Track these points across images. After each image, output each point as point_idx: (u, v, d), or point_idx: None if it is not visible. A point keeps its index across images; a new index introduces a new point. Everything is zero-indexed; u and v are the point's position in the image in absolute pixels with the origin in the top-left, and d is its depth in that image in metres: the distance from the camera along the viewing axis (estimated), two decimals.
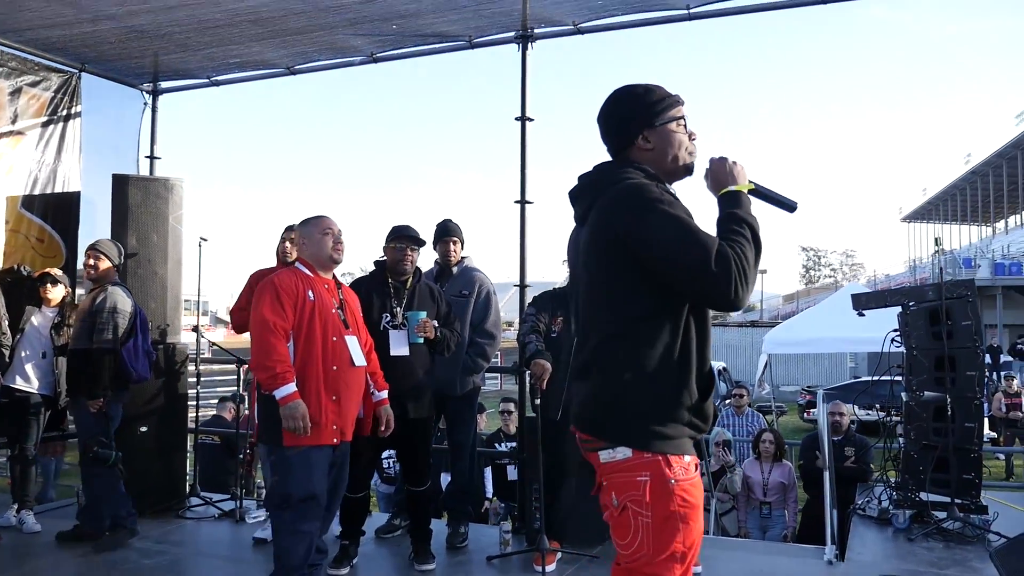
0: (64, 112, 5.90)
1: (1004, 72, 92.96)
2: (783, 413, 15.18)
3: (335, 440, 3.39)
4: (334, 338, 3.43)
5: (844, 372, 19.87)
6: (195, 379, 5.76)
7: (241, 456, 7.01)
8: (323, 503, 3.39)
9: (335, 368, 3.40)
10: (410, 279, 4.26)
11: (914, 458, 5.03)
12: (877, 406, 14.21)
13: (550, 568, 4.07)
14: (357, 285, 4.25)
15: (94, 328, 4.55)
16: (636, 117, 2.12)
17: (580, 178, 2.22)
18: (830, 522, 4.55)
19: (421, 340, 4.11)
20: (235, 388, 10.41)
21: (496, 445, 7.20)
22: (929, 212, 52.36)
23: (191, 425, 5.95)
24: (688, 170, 2.16)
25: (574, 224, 2.25)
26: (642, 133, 2.11)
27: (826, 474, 4.70)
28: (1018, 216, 46.53)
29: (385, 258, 4.32)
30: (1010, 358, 22.86)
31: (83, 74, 6.01)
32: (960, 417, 4.91)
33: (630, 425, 1.97)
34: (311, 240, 3.55)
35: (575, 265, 2.22)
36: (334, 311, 3.49)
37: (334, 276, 3.65)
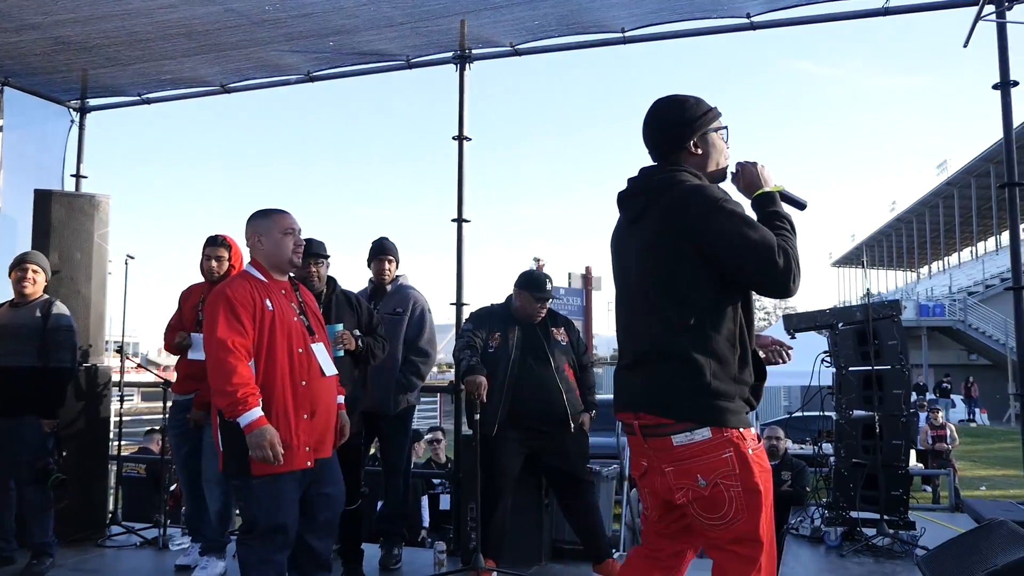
0: None
1: (926, 125, 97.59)
2: None
3: (308, 463, 3.05)
4: (299, 349, 3.10)
5: (778, 408, 20.23)
6: (118, 402, 5.53)
7: (172, 488, 6.77)
8: (292, 532, 3.05)
9: (304, 383, 3.07)
10: (323, 292, 4.18)
11: (844, 476, 5.10)
12: (809, 440, 14.54)
13: None
14: None
15: (50, 346, 4.41)
16: (689, 124, 2.32)
17: (631, 180, 2.41)
18: None
19: (342, 353, 3.87)
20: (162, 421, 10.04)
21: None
22: (857, 257, 54.17)
23: (113, 452, 5.70)
24: (724, 175, 2.40)
25: (624, 224, 2.43)
26: (693, 139, 2.32)
27: None
28: (941, 262, 48.45)
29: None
30: (935, 396, 23.64)
31: (6, 88, 5.83)
32: (888, 435, 5.02)
33: (709, 405, 2.17)
34: (269, 239, 3.17)
35: (627, 263, 2.39)
36: (296, 318, 3.16)
37: (290, 277, 3.33)
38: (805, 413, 5.54)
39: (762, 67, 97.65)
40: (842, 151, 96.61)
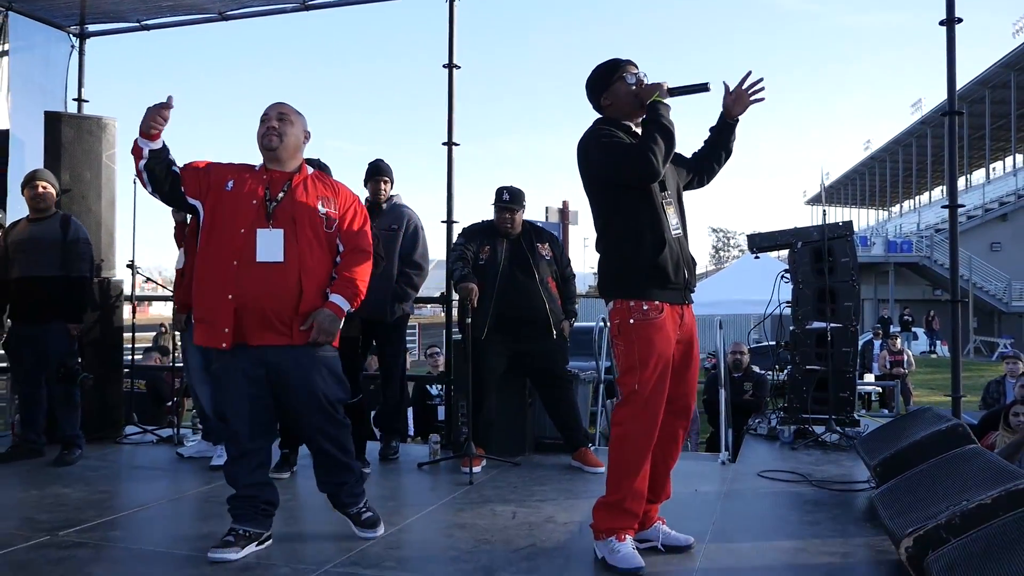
0: None
1: (901, 63, 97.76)
2: None
3: (224, 344, 3.03)
4: (242, 230, 3.05)
5: (748, 340, 21.00)
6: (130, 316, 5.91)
7: (171, 403, 7.20)
8: (230, 422, 3.12)
9: (235, 263, 3.03)
10: None
11: (798, 380, 5.64)
12: (777, 367, 15.31)
13: (476, 470, 4.46)
14: None
15: (71, 258, 4.82)
16: (594, 86, 3.08)
17: None
18: (724, 433, 5.10)
19: None
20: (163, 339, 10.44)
21: (427, 387, 7.57)
22: (831, 195, 54.83)
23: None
24: (642, 107, 2.98)
25: None
26: (602, 96, 3.06)
27: (721, 391, 5.24)
28: (912, 200, 49.23)
29: None
30: (899, 328, 24.49)
31: (10, 13, 6.03)
32: (839, 343, 5.54)
33: (607, 285, 3.02)
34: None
35: None
36: (254, 202, 3.09)
37: (307, 169, 3.27)
38: (771, 342, 6.04)
39: (742, 2, 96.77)
40: (819, 89, 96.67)
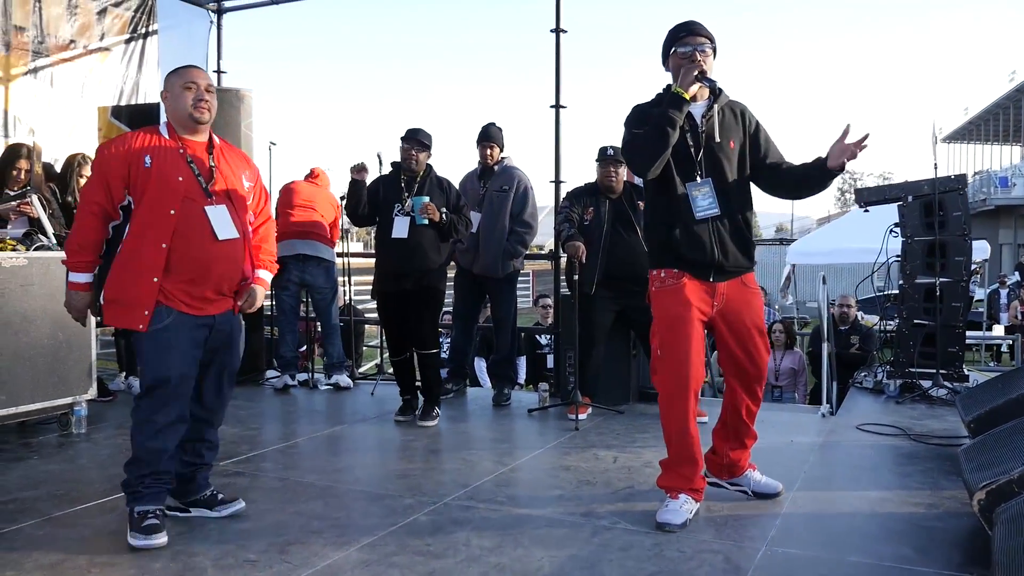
0: (143, 30, 6.55)
1: None
2: (805, 323, 15.72)
3: (141, 327, 2.89)
4: (172, 211, 2.89)
5: (869, 287, 20.32)
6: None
7: (303, 349, 7.87)
8: (176, 384, 2.94)
9: (164, 245, 2.88)
10: (420, 174, 4.82)
11: (906, 335, 5.64)
12: (882, 320, 14.75)
13: (582, 417, 4.79)
14: (375, 182, 4.93)
15: None
16: (663, 52, 3.25)
17: None
18: (826, 385, 5.21)
19: (426, 222, 4.63)
20: None
21: (537, 337, 7.95)
22: (970, 132, 51.25)
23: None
24: (692, 81, 3.08)
25: None
26: (666, 62, 3.25)
27: (824, 345, 5.33)
28: None
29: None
30: None
31: None
32: (948, 298, 5.50)
33: (646, 256, 3.34)
34: (172, 95, 3.02)
35: None
36: (181, 179, 2.93)
37: (215, 138, 3.11)
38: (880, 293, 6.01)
39: None
40: (954, 17, 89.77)
